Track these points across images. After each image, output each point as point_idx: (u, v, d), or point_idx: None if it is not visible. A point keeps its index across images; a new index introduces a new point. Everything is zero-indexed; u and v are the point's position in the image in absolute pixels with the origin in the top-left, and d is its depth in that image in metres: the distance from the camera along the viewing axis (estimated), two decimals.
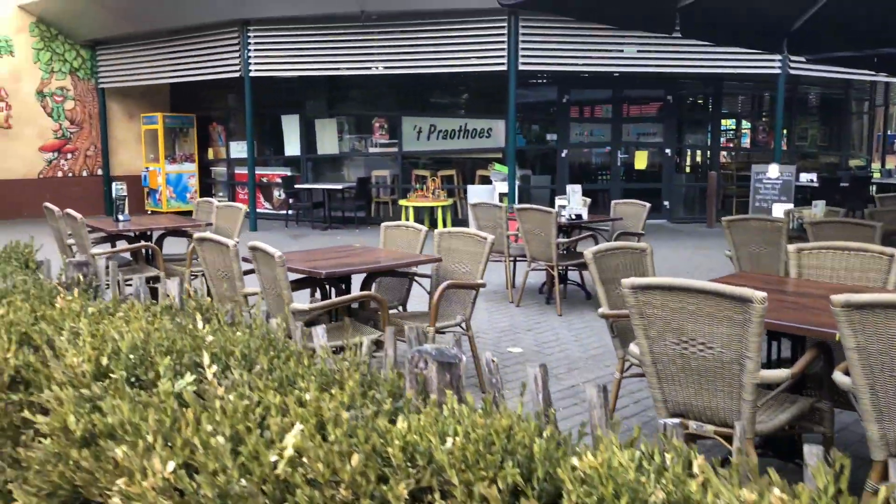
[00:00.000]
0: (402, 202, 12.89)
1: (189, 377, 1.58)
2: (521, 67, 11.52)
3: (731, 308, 2.54)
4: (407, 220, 12.71)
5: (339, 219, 13.77)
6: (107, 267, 3.24)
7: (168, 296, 2.80)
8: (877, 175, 16.70)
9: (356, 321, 4.62)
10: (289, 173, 14.49)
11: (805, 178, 12.81)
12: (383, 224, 5.54)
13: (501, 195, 12.01)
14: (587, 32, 11.49)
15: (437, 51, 11.78)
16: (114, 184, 6.77)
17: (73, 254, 6.46)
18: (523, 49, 11.47)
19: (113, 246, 6.84)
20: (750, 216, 5.89)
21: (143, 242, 6.48)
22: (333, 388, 1.58)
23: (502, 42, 11.43)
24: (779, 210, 12.09)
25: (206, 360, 1.58)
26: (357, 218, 13.29)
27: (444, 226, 12.60)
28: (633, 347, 3.15)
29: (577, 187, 7.39)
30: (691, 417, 2.77)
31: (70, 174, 15.30)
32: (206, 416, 1.35)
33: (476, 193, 12.00)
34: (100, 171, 15.61)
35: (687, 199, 14.21)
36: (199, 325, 2.01)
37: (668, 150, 13.58)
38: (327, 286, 4.70)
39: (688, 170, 14.91)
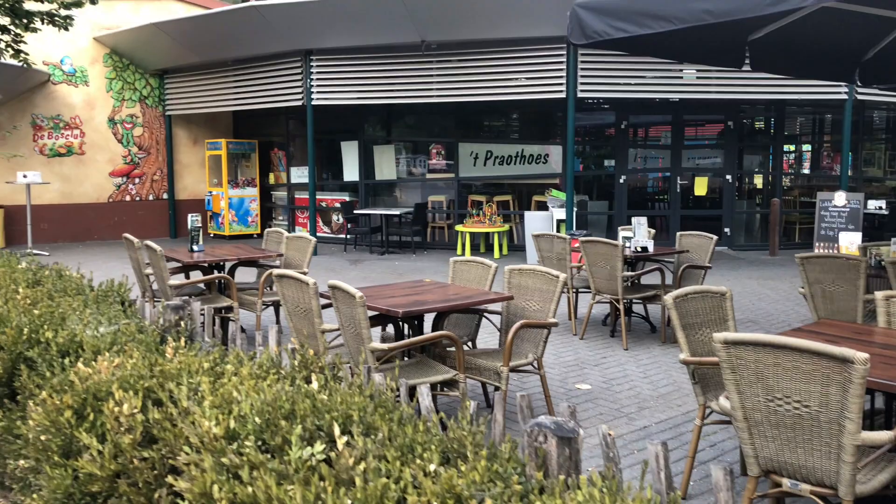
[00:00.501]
0: (458, 228, 12.97)
1: (319, 446, 1.64)
2: (579, 95, 11.54)
3: (830, 367, 2.51)
4: (463, 245, 12.80)
5: (396, 243, 13.94)
6: (202, 311, 3.37)
7: (264, 344, 2.90)
8: None
9: (428, 358, 4.68)
10: (347, 198, 14.74)
11: (873, 205, 12.48)
12: (452, 259, 5.60)
13: (559, 222, 12.01)
14: (645, 59, 11.44)
15: (497, 79, 11.90)
16: (189, 216, 7.00)
17: (150, 283, 6.69)
18: (582, 76, 11.49)
19: (187, 276, 7.06)
20: (826, 254, 5.77)
21: (216, 274, 6.67)
22: (457, 461, 1.62)
23: (561, 69, 11.48)
24: (846, 239, 11.83)
25: (336, 429, 1.64)
26: (414, 243, 13.41)
27: (501, 251, 12.66)
28: (723, 402, 3.13)
29: (643, 219, 7.35)
30: (785, 475, 2.74)
31: (137, 198, 15.84)
32: (349, 493, 1.42)
33: (533, 219, 12.03)
34: (165, 195, 16.12)
35: (748, 225, 13.97)
36: (314, 384, 2.08)
37: (728, 176, 13.38)
38: (401, 323, 4.78)
39: (749, 196, 14.65)
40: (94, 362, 2.61)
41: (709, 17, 4.27)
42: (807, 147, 15.51)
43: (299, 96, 13.06)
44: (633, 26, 4.65)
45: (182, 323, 3.26)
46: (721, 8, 4.20)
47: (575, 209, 11.91)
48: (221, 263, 6.85)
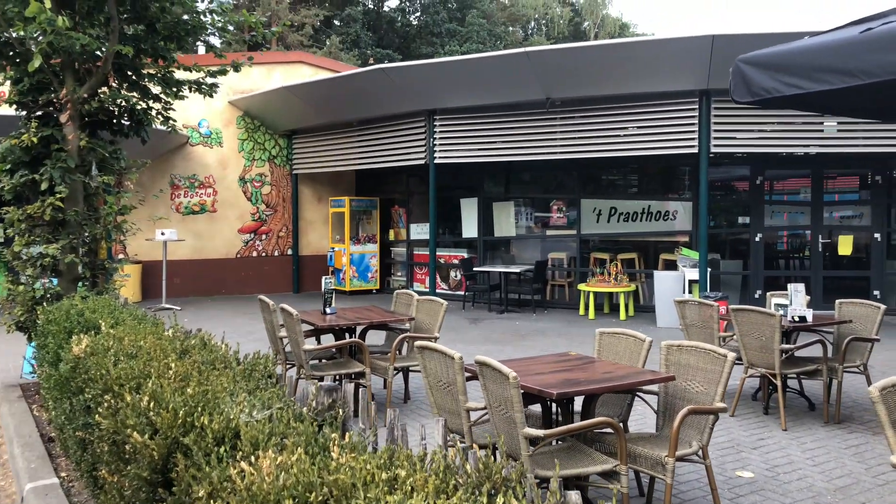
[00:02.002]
0: (581, 286, 12.53)
1: None
2: (713, 150, 11.00)
3: None
4: (586, 305, 12.33)
5: (515, 301, 13.63)
6: (356, 394, 3.17)
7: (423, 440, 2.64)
8: None
9: (580, 443, 4.30)
10: (465, 255, 14.63)
11: None
12: (598, 330, 5.24)
13: (691, 282, 11.37)
14: (782, 111, 10.79)
15: (624, 134, 11.54)
16: (324, 278, 7.00)
17: (283, 346, 6.67)
18: (716, 130, 10.96)
19: (318, 339, 7.01)
20: None
21: (348, 338, 6.58)
22: None
23: (693, 124, 11.00)
24: None
25: None
26: (534, 301, 13.06)
27: (627, 312, 12.09)
28: None
29: (801, 286, 6.72)
30: None
31: (263, 254, 16.36)
32: None
33: (663, 280, 11.44)
34: (289, 251, 16.57)
35: None
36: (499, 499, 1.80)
37: (877, 234, 12.32)
38: (549, 402, 4.44)
39: None
40: (253, 457, 2.44)
41: None
42: None
43: (422, 155, 13.16)
44: (809, 82, 4.24)
45: (336, 408, 3.07)
46: None
47: (709, 269, 11.25)
48: (353, 327, 6.76)
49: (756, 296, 12.21)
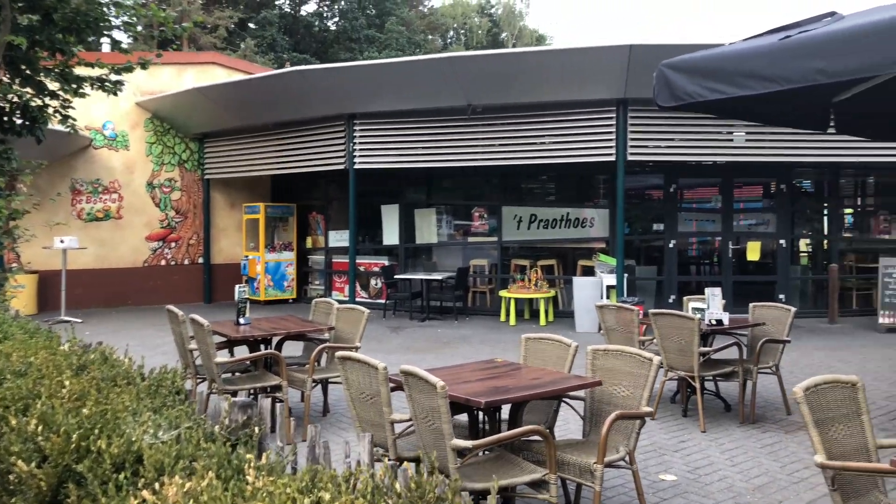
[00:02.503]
0: (502, 293, 12.53)
1: None
2: (629, 158, 11.21)
3: None
4: (507, 311, 12.33)
5: (437, 309, 13.50)
6: (273, 409, 2.94)
7: (351, 459, 2.46)
8: None
9: (508, 452, 4.19)
10: (386, 262, 14.41)
11: None
12: (524, 336, 5.15)
13: (609, 287, 11.53)
14: (695, 121, 11.12)
15: (544, 142, 11.62)
16: (237, 287, 6.66)
17: (193, 359, 6.30)
18: (632, 139, 11.18)
19: (231, 351, 6.66)
20: None
21: (265, 350, 6.28)
22: None
23: (611, 132, 11.18)
24: None
25: None
26: (456, 308, 12.96)
27: (547, 318, 12.16)
28: None
29: (717, 290, 6.86)
30: None
31: (173, 262, 15.65)
32: None
33: (582, 285, 11.55)
34: (200, 260, 15.92)
35: (803, 291, 13.36)
36: None
37: (782, 241, 12.85)
38: (477, 412, 4.31)
39: (804, 261, 14.09)
40: (157, 484, 2.18)
41: (822, 77, 3.89)
42: (865, 210, 14.93)
43: (342, 160, 12.89)
44: (730, 87, 4.29)
45: (252, 425, 2.83)
46: (838, 67, 3.82)
47: (625, 275, 11.44)
48: (269, 338, 6.46)
49: (670, 300, 12.50)
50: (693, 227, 13.51)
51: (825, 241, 13.74)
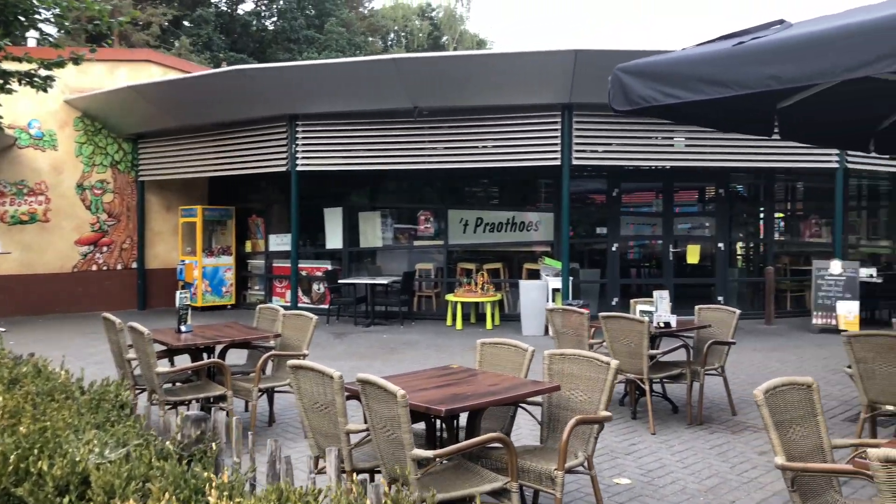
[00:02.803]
0: (448, 297, 12.47)
1: None
2: (574, 162, 11.30)
3: None
4: (454, 315, 12.27)
5: (382, 314, 13.34)
6: (228, 424, 2.79)
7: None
8: None
9: (467, 461, 4.10)
10: (329, 267, 14.17)
11: (864, 273, 12.32)
12: (479, 341, 5.07)
13: (554, 291, 11.60)
14: (637, 126, 11.32)
15: (491, 145, 11.62)
16: (178, 292, 6.39)
17: (131, 369, 6.02)
18: (577, 143, 11.28)
19: (171, 360, 6.39)
20: (874, 332, 5.39)
21: (208, 359, 6.04)
22: None
23: (556, 136, 11.26)
24: (844, 308, 11.62)
25: None
26: (402, 313, 12.83)
27: (493, 322, 12.15)
28: None
29: (665, 293, 6.94)
30: None
31: (105, 267, 15.04)
32: None
33: (528, 289, 11.58)
34: (134, 265, 15.35)
35: (741, 293, 13.73)
36: None
37: (720, 244, 13.18)
38: (434, 419, 4.21)
39: (741, 264, 14.48)
40: None
41: (775, 83, 3.94)
42: (796, 214, 15.47)
43: (284, 162, 12.61)
44: (685, 92, 4.30)
45: (206, 440, 2.67)
46: (790, 73, 3.87)
47: (571, 278, 11.53)
48: (213, 346, 6.22)
49: (613, 303, 12.68)
50: (635, 230, 13.74)
51: (761, 245, 14.16)
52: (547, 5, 70.05)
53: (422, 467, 3.59)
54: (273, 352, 6.22)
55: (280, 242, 14.91)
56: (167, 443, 2.67)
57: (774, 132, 6.04)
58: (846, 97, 5.92)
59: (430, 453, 3.49)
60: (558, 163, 11.23)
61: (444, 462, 4.12)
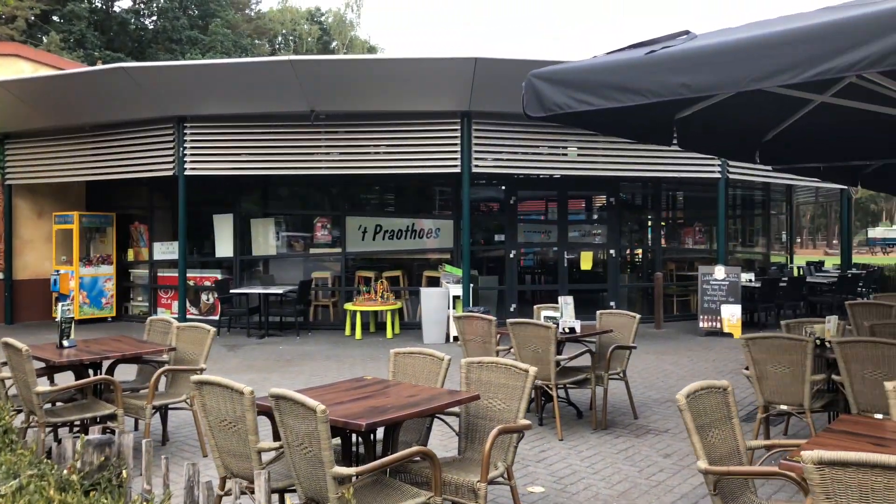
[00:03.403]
0: (348, 306, 12.20)
1: None
2: (474, 169, 11.35)
3: None
4: (353, 325, 12.02)
5: (276, 324, 12.89)
6: (135, 448, 2.51)
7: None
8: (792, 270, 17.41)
9: (386, 476, 3.94)
10: (219, 276, 13.55)
11: (744, 277, 13.06)
12: (393, 350, 4.92)
13: (455, 298, 11.58)
14: (534, 135, 11.54)
15: (391, 151, 11.48)
16: (60, 304, 5.85)
17: (6, 388, 5.45)
18: (476, 151, 11.34)
19: (51, 378, 5.85)
20: (771, 334, 5.64)
21: (94, 376, 5.57)
22: None
23: (456, 144, 11.28)
24: (727, 311, 12.25)
25: None
26: (298, 323, 12.43)
27: (394, 330, 11.99)
28: None
29: (570, 298, 7.02)
30: None
31: None
32: None
33: (430, 297, 11.51)
34: (0, 275, 14.11)
35: (631, 298, 14.22)
36: None
37: (612, 251, 13.62)
38: (351, 434, 4.02)
39: (630, 270, 15.02)
40: None
41: (686, 91, 4.03)
42: (678, 222, 16.23)
43: (170, 165, 11.95)
44: (598, 99, 4.34)
45: (110, 467, 2.39)
46: (700, 82, 3.97)
47: (473, 285, 11.55)
48: (99, 362, 5.73)
49: (511, 309, 12.81)
50: (532, 237, 13.96)
51: (649, 251, 14.73)
52: (444, 18, 70.89)
53: (341, 485, 3.40)
54: (167, 366, 5.81)
55: (165, 251, 14.14)
56: (64, 471, 2.37)
57: (673, 142, 6.24)
58: (738, 109, 6.23)
59: (351, 471, 3.30)
60: (458, 170, 11.25)
61: (362, 478, 3.94)
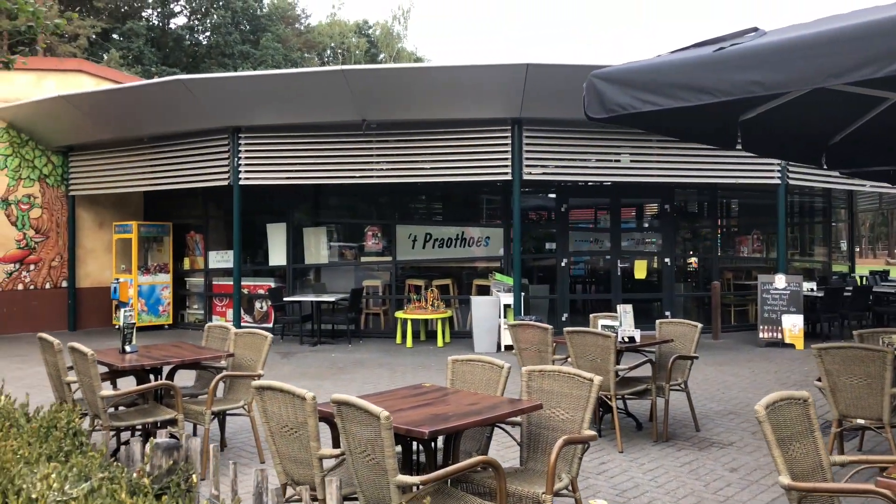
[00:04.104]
0: (398, 314, 12.19)
1: None
2: (525, 177, 11.25)
3: None
4: (404, 333, 12.00)
5: (328, 332, 12.95)
6: (203, 451, 2.48)
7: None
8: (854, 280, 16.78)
9: (452, 487, 3.86)
10: (272, 284, 13.70)
11: (806, 286, 12.62)
12: (451, 358, 4.85)
13: (506, 307, 11.46)
14: (586, 142, 11.38)
15: (441, 159, 11.45)
16: (123, 310, 5.95)
17: (71, 392, 5.55)
18: (527, 158, 11.23)
19: (113, 382, 5.94)
20: (848, 344, 5.40)
21: (155, 381, 5.63)
22: None
23: (507, 151, 11.19)
24: (788, 322, 11.85)
25: None
26: (349, 331, 12.47)
27: (444, 339, 11.93)
28: None
29: (629, 307, 6.85)
30: None
31: (32, 286, 14.18)
32: None
33: (480, 305, 11.41)
34: (64, 283, 14.53)
35: (686, 308, 13.89)
36: None
37: (667, 259, 13.33)
38: (411, 441, 3.96)
39: (686, 278, 14.68)
40: None
41: (758, 88, 3.88)
42: (739, 229, 15.81)
43: (226, 176, 12.14)
44: (665, 99, 4.21)
45: (179, 471, 2.36)
46: (772, 80, 3.81)
47: (524, 294, 11.42)
48: (160, 367, 5.80)
49: (563, 318, 12.62)
50: (584, 245, 13.77)
51: (706, 260, 14.38)
52: (484, 24, 71.04)
53: (403, 494, 3.33)
54: (227, 372, 5.85)
55: (220, 259, 14.37)
56: (134, 475, 2.36)
57: (738, 144, 6.05)
58: (804, 110, 6.00)
59: (415, 479, 3.24)
60: (509, 177, 11.15)
61: (423, 487, 3.87)
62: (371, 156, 11.60)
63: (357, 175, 11.70)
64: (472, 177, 11.40)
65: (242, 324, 12.90)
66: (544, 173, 11.51)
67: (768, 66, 3.85)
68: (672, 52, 4.60)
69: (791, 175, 12.23)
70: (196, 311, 14.95)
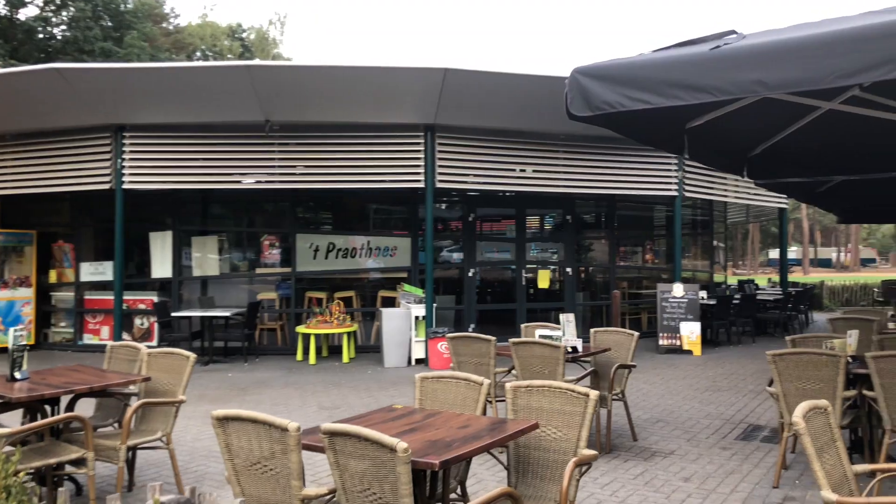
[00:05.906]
0: (300, 329, 11.46)
1: None
2: (438, 185, 10.92)
3: None
4: (306, 349, 11.31)
5: (220, 350, 11.98)
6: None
7: None
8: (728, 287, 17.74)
9: None
10: (155, 298, 12.52)
11: (699, 295, 13.08)
12: (419, 375, 4.40)
13: (417, 318, 11.04)
14: (495, 151, 11.24)
15: (349, 165, 10.90)
16: (12, 330, 5.02)
17: None
18: (440, 167, 10.92)
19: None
20: (801, 350, 5.42)
21: (55, 415, 4.77)
22: None
23: (420, 159, 10.84)
24: (686, 329, 12.20)
25: None
26: (245, 349, 11.58)
27: (349, 354, 11.35)
28: None
29: (571, 316, 6.66)
30: None
31: None
32: None
33: (392, 317, 10.92)
34: None
35: (585, 317, 14.05)
36: None
37: (569, 269, 13.42)
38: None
39: (586, 287, 14.87)
40: None
41: (761, 88, 3.74)
42: (634, 239, 16.20)
43: (107, 178, 10.95)
44: (656, 97, 4.00)
45: None
46: (776, 79, 3.68)
47: (435, 305, 11.06)
48: (58, 397, 4.93)
49: (469, 329, 12.36)
50: (490, 255, 13.61)
51: (606, 269, 14.63)
52: (359, 31, 70.46)
53: None
54: (144, 400, 5.06)
55: (94, 271, 13.00)
56: None
57: (685, 152, 6.01)
58: (743, 121, 6.05)
59: None
60: (422, 185, 10.78)
61: None
62: (273, 159, 10.86)
63: (259, 180, 10.91)
64: (383, 184, 10.94)
65: (150, 343, 11.67)
66: (457, 182, 11.23)
67: (772, 66, 3.72)
68: (655, 50, 4.41)
69: (687, 187, 12.66)
70: (63, 329, 13.44)
